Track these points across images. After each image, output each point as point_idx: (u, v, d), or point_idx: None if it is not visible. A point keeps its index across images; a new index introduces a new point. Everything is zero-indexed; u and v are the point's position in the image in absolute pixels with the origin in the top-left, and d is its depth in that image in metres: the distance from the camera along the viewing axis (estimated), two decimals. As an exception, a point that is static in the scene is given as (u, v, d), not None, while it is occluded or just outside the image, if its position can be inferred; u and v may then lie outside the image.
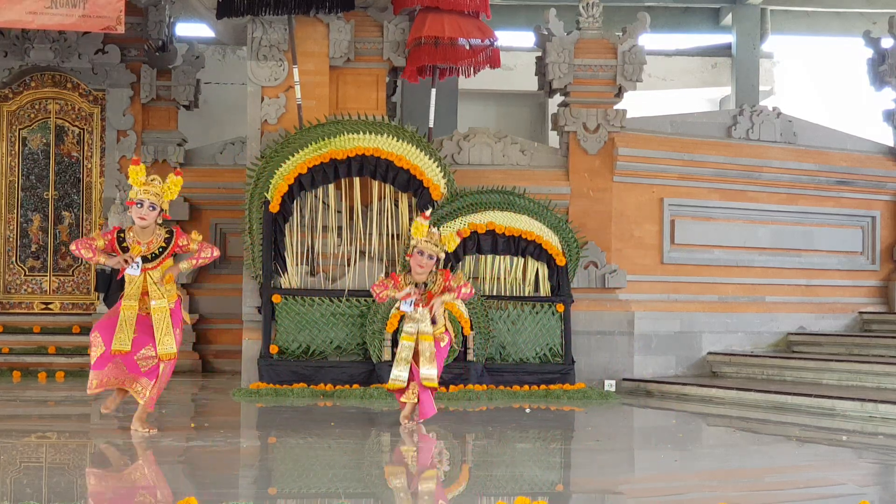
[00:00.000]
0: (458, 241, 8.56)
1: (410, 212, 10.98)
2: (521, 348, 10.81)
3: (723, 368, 11.62)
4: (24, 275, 13.28)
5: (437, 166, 10.87)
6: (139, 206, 7.75)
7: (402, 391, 8.33)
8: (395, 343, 10.50)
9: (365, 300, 10.71)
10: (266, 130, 11.31)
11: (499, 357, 10.79)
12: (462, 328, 10.40)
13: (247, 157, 11.44)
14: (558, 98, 12.00)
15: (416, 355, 8.29)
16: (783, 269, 12.48)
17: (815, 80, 20.02)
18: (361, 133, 10.79)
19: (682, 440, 8.43)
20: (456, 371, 10.39)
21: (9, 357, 12.35)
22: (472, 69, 11.58)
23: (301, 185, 10.74)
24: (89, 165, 13.31)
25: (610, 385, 10.93)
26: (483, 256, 10.87)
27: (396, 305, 8.92)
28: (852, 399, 9.43)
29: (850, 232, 12.89)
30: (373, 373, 10.53)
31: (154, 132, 13.19)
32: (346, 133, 10.79)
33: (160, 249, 7.84)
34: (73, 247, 7.91)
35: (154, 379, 7.87)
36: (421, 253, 8.24)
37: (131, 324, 7.77)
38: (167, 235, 7.88)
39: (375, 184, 11.00)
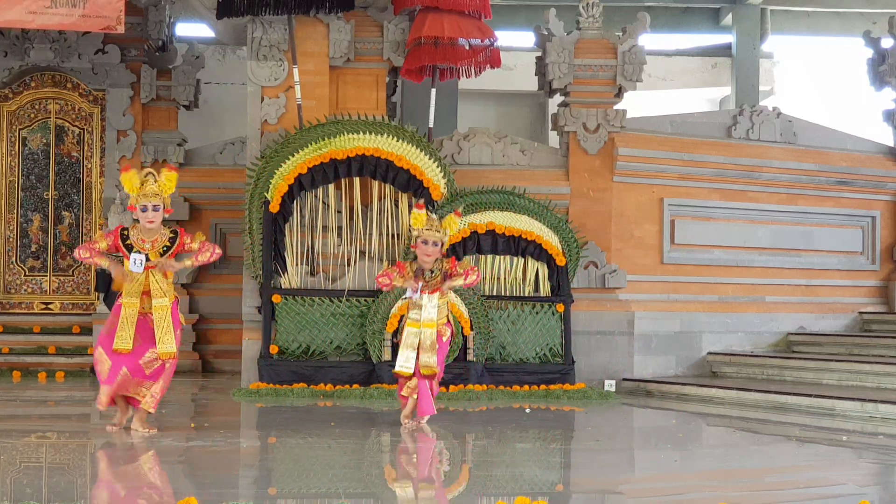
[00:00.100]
0: (458, 221, 8.55)
1: (410, 212, 10.95)
2: (521, 348, 10.81)
3: (723, 368, 11.61)
4: (24, 275, 13.28)
5: (437, 166, 10.87)
6: (143, 211, 7.76)
7: (408, 379, 8.32)
8: (395, 343, 10.52)
9: (365, 300, 10.71)
10: (266, 130, 11.31)
11: (499, 357, 10.79)
12: (462, 328, 10.40)
13: (247, 157, 11.44)
14: (558, 98, 12.00)
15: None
16: (783, 269, 12.47)
17: (815, 80, 20.02)
18: (361, 133, 10.79)
19: (682, 440, 8.43)
20: (456, 371, 10.39)
21: (9, 357, 12.35)
22: (472, 69, 11.58)
23: (301, 185, 10.74)
24: (89, 165, 13.31)
25: (610, 385, 10.93)
26: (483, 256, 10.87)
27: (403, 296, 8.93)
28: (852, 399, 9.43)
29: (850, 232, 12.89)
30: (373, 373, 10.53)
31: (154, 132, 13.18)
32: (346, 133, 10.78)
33: (165, 248, 7.87)
34: (75, 253, 8.00)
35: (157, 380, 7.87)
36: (425, 242, 8.28)
37: (132, 322, 7.78)
38: (172, 235, 7.92)
39: (375, 184, 11.00)
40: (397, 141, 10.82)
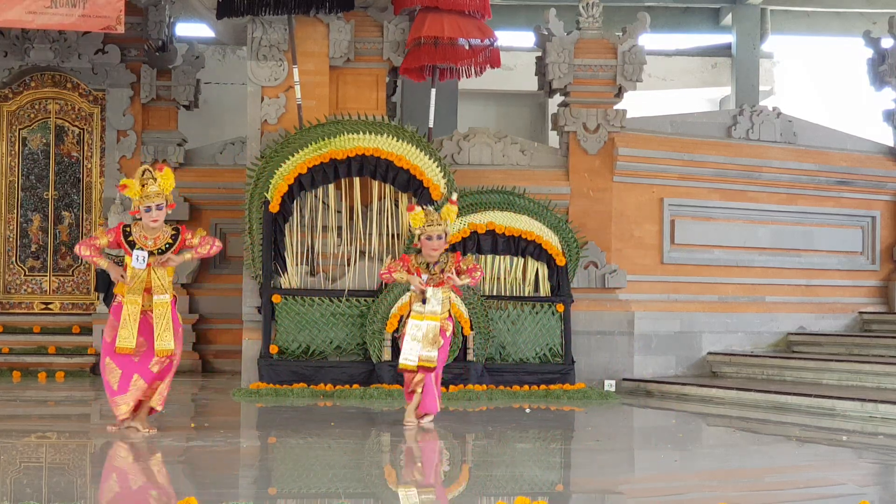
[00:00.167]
0: (455, 209, 8.56)
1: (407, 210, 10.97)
2: (521, 348, 10.81)
3: (723, 368, 11.61)
4: (24, 275, 13.28)
5: (437, 166, 10.87)
6: (147, 211, 7.79)
7: (413, 374, 8.33)
8: (395, 343, 10.53)
9: (365, 300, 10.71)
10: (266, 130, 11.31)
11: (499, 357, 10.79)
12: (462, 328, 10.40)
13: (247, 157, 11.44)
14: (558, 98, 12.00)
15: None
16: (783, 269, 12.48)
17: (815, 80, 20.01)
18: (361, 133, 10.79)
19: (682, 440, 8.43)
20: (456, 371, 10.39)
21: (9, 357, 12.35)
22: (472, 69, 11.58)
23: (301, 185, 10.74)
24: (89, 165, 13.31)
25: (610, 385, 10.93)
26: (483, 256, 10.87)
27: (405, 292, 8.95)
28: (852, 399, 9.43)
29: (850, 232, 12.89)
30: (373, 373, 10.53)
31: (154, 132, 13.19)
32: (346, 133, 10.78)
33: (167, 245, 7.90)
34: (76, 249, 8.01)
35: (164, 378, 7.91)
36: (429, 238, 8.31)
37: (135, 320, 7.79)
38: (173, 232, 7.96)
39: (375, 184, 11.00)
40: (397, 141, 10.82)
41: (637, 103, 13.97)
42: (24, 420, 9.15)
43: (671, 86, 18.91)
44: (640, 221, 11.74)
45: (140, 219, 7.87)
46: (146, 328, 7.82)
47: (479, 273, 8.45)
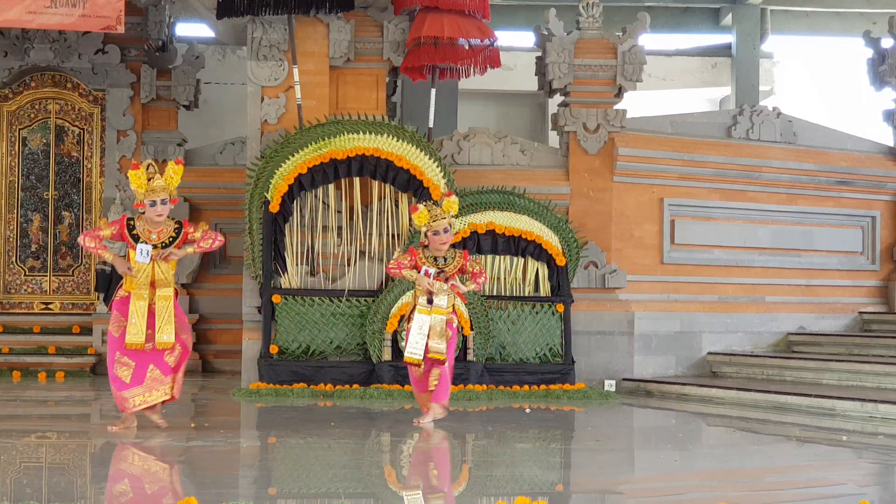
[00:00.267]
0: (455, 200, 8.57)
1: (410, 212, 10.96)
2: (521, 348, 10.81)
3: (723, 368, 11.61)
4: (24, 275, 13.28)
5: (437, 166, 10.87)
6: (152, 206, 7.83)
7: (417, 367, 8.34)
8: (395, 343, 10.54)
9: (365, 300, 10.72)
10: (266, 130, 11.31)
11: (499, 357, 10.79)
12: (462, 328, 10.40)
13: (247, 157, 11.44)
14: (558, 98, 12.00)
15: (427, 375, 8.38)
16: (783, 269, 12.48)
17: (815, 80, 20.01)
18: (361, 133, 10.79)
19: (682, 440, 8.43)
20: (456, 371, 10.36)
21: (9, 357, 12.34)
22: (472, 69, 11.58)
23: (301, 185, 10.74)
24: (89, 165, 13.31)
25: (610, 385, 10.93)
26: (483, 256, 10.87)
27: (409, 289, 8.98)
28: (852, 399, 9.43)
29: (850, 232, 12.89)
30: (373, 373, 10.53)
31: (154, 132, 13.19)
32: (346, 133, 10.79)
33: (170, 239, 7.96)
34: (79, 239, 8.04)
35: (179, 371, 8.00)
36: (436, 233, 8.35)
37: (143, 315, 7.83)
38: (176, 226, 8.03)
39: (375, 184, 11.00)
40: (397, 141, 10.82)
41: (637, 103, 13.97)
42: (24, 420, 9.15)
43: (671, 86, 18.91)
44: (640, 221, 11.74)
45: (143, 213, 7.92)
46: (153, 321, 7.88)
47: (482, 279, 8.49)
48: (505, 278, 10.98)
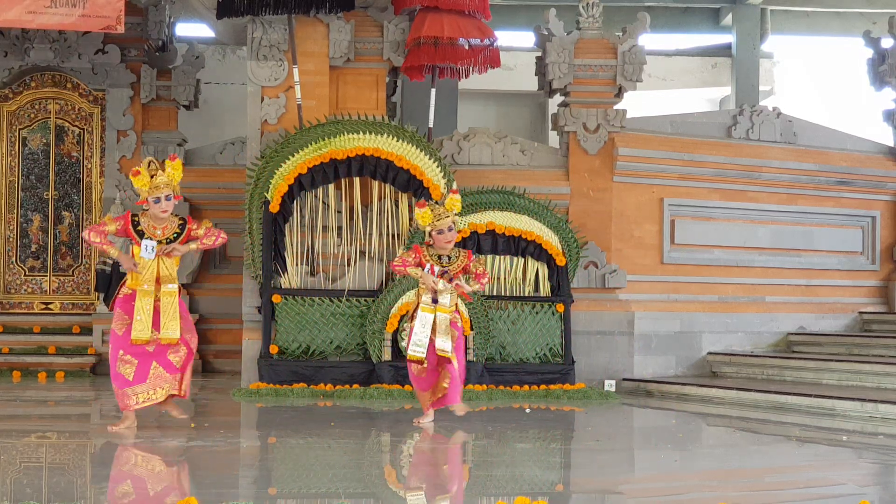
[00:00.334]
0: (459, 198, 8.58)
1: (410, 212, 10.98)
2: (521, 348, 10.81)
3: (723, 368, 11.61)
4: (24, 275, 13.28)
5: (437, 166, 10.87)
6: (157, 202, 7.87)
7: (420, 365, 8.34)
8: (395, 343, 10.54)
9: (365, 300, 10.72)
10: (266, 130, 11.31)
11: (499, 357, 10.79)
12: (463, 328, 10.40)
13: (247, 157, 11.44)
14: (558, 98, 11.99)
15: (437, 379, 8.38)
16: (783, 269, 12.47)
17: (815, 80, 20.02)
18: (361, 133, 10.79)
19: (682, 440, 8.43)
20: (456, 371, 10.38)
21: (9, 357, 12.34)
22: (471, 69, 11.59)
23: (301, 185, 10.74)
24: (89, 165, 13.31)
25: (610, 385, 10.93)
26: (483, 256, 10.86)
27: (411, 287, 8.98)
28: (852, 399, 9.43)
29: (850, 232, 12.89)
30: (373, 373, 10.53)
31: (154, 132, 13.19)
32: (346, 133, 10.79)
33: (175, 235, 8.00)
34: (84, 234, 8.07)
35: (186, 371, 8.03)
36: (440, 232, 8.38)
37: (149, 311, 7.86)
38: (180, 222, 8.07)
39: (375, 184, 11.00)
40: (397, 141, 10.82)
41: (637, 103, 13.97)
42: (24, 420, 9.15)
43: (671, 86, 18.91)
44: (640, 221, 11.74)
45: (147, 209, 7.93)
46: (157, 319, 7.90)
47: (486, 279, 8.52)
48: (505, 278, 10.98)
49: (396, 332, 10.52)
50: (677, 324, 11.67)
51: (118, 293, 8.10)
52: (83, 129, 13.34)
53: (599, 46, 11.56)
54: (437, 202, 8.65)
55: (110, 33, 11.80)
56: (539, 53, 11.90)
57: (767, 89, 19.16)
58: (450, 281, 8.35)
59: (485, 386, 10.45)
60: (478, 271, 8.44)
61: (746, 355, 11.58)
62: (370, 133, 10.80)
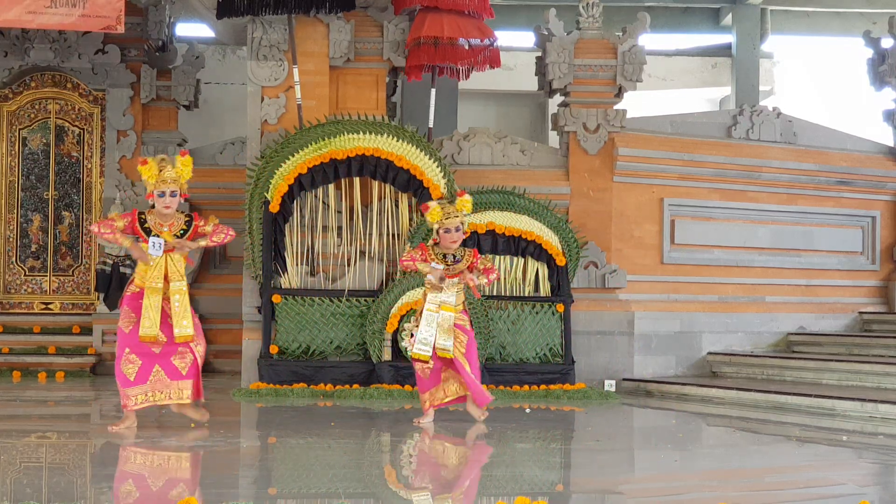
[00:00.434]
0: (470, 199, 8.58)
1: (410, 212, 10.99)
2: (521, 348, 10.81)
3: (723, 368, 11.61)
4: (24, 275, 13.28)
5: (437, 166, 10.87)
6: (161, 196, 7.89)
7: (425, 364, 8.35)
8: (395, 343, 10.54)
9: (365, 300, 10.72)
10: (266, 130, 11.31)
11: (499, 357, 10.79)
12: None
13: (247, 157, 11.44)
14: (558, 98, 11.99)
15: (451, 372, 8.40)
16: (783, 269, 12.48)
17: (815, 80, 20.02)
18: (361, 133, 10.79)
19: (682, 440, 8.43)
20: (456, 371, 10.38)
21: (9, 357, 12.34)
22: (470, 70, 11.60)
23: (301, 185, 10.74)
24: (89, 165, 13.31)
25: (610, 385, 10.93)
26: (486, 256, 10.86)
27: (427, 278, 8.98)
28: (852, 399, 9.43)
29: (850, 232, 12.89)
30: (373, 373, 10.53)
31: (154, 132, 13.19)
32: (346, 133, 10.79)
33: (181, 232, 8.01)
34: (94, 227, 8.05)
35: (194, 377, 8.00)
36: (448, 230, 8.39)
37: (157, 308, 7.85)
38: (187, 219, 8.09)
39: (375, 184, 11.00)
40: (397, 141, 10.82)
41: (637, 103, 13.97)
42: (24, 420, 9.14)
43: (671, 86, 18.91)
44: (640, 221, 11.74)
45: (153, 205, 7.93)
46: (166, 320, 7.90)
47: (494, 274, 8.52)
48: (505, 278, 10.97)
49: (396, 332, 10.52)
50: (677, 324, 11.67)
51: (126, 291, 8.09)
52: (83, 129, 13.34)
53: (599, 46, 11.56)
54: (448, 201, 8.64)
55: (110, 33, 11.80)
56: (539, 53, 11.90)
57: (767, 89, 19.16)
58: (453, 276, 8.35)
59: (485, 386, 10.41)
60: (486, 267, 8.48)
61: (746, 355, 11.59)
62: (370, 133, 10.80)
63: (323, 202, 11.02)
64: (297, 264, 10.88)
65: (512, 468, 6.91)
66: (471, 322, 8.70)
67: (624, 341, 11.31)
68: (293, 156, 10.69)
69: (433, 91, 11.67)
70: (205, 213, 12.92)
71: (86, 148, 13.34)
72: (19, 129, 13.31)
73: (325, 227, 11.01)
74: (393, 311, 10.47)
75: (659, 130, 11.92)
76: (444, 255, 8.43)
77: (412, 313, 10.38)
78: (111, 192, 12.89)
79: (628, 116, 11.62)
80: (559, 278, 10.96)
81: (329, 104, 11.37)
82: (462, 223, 8.46)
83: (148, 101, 13.12)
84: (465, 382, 8.40)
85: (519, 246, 10.90)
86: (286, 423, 8.87)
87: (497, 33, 11.53)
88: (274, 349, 10.64)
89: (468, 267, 8.44)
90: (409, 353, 10.32)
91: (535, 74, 12.12)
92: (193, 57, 13.27)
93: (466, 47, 11.32)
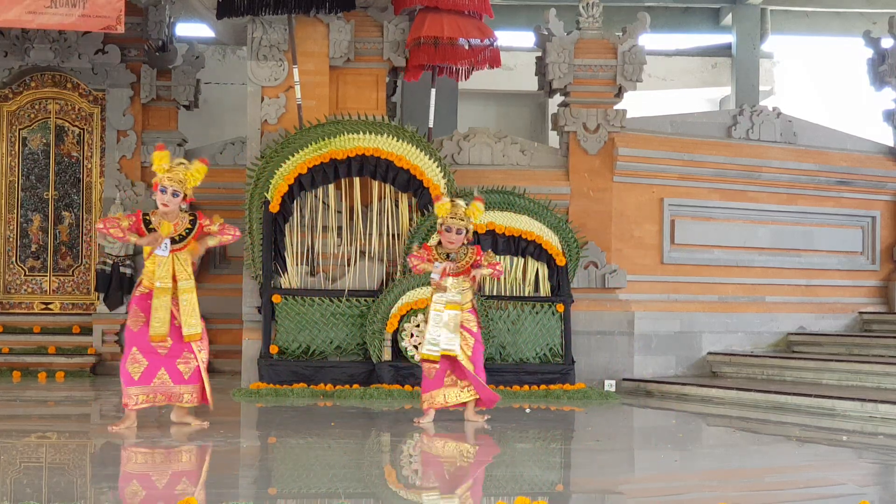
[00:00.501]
0: (482, 209, 8.59)
1: (410, 212, 10.99)
2: (521, 348, 10.81)
3: (723, 368, 11.61)
4: (24, 275, 13.28)
5: (437, 166, 10.87)
6: (162, 192, 7.88)
7: (433, 364, 8.35)
8: (395, 343, 10.54)
9: (365, 300, 10.72)
10: (266, 130, 11.31)
11: (499, 357, 10.79)
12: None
13: (247, 157, 11.44)
14: (558, 98, 12.00)
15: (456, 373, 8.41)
16: (783, 269, 12.48)
17: (815, 80, 20.03)
18: (361, 133, 10.79)
19: (682, 440, 8.43)
20: (456, 371, 10.38)
21: (9, 357, 12.34)
22: (469, 70, 11.60)
23: (301, 185, 10.75)
24: (89, 165, 13.31)
25: (610, 385, 10.93)
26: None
27: (422, 283, 9.01)
28: (852, 399, 9.43)
29: (850, 232, 12.89)
30: (373, 373, 10.53)
31: (154, 132, 13.18)
32: (346, 133, 10.79)
33: (186, 231, 8.01)
34: (99, 225, 8.05)
35: (199, 382, 7.99)
36: (448, 230, 8.40)
37: (167, 308, 7.85)
38: (191, 218, 8.08)
39: (375, 184, 11.00)
40: (397, 141, 10.82)
41: (637, 103, 13.97)
42: (24, 420, 9.14)
43: (671, 86, 18.92)
44: (640, 221, 11.74)
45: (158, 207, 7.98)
46: (177, 330, 7.91)
47: (500, 266, 8.56)
48: (505, 278, 10.97)
49: (396, 332, 10.52)
50: (677, 324, 11.67)
51: (134, 292, 8.10)
52: (83, 129, 13.34)
53: (599, 46, 11.56)
54: (464, 202, 8.63)
55: (110, 33, 11.80)
56: (539, 53, 11.90)
57: (767, 89, 19.17)
58: (457, 274, 8.35)
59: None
60: (491, 262, 8.50)
61: (746, 355, 11.59)
62: (370, 133, 10.80)
63: (323, 202, 11.02)
64: (297, 264, 10.88)
65: (512, 468, 6.91)
66: (479, 322, 8.70)
67: (624, 341, 11.31)
68: (293, 156, 10.70)
69: (433, 91, 11.67)
70: (207, 212, 13.00)
71: (86, 148, 13.34)
72: (19, 129, 13.31)
73: (325, 227, 11.01)
74: (393, 311, 10.47)
75: (659, 130, 11.92)
76: (448, 255, 8.44)
77: (412, 313, 10.42)
78: (111, 192, 12.89)
79: (628, 116, 11.63)
80: (559, 278, 10.96)
81: (329, 104, 11.37)
82: (466, 229, 8.47)
83: (148, 101, 13.12)
84: (469, 384, 8.42)
85: (519, 246, 10.90)
86: (286, 423, 8.87)
87: (497, 33, 11.53)
88: (274, 349, 10.64)
89: (473, 264, 8.45)
90: (408, 354, 10.37)
91: (535, 74, 12.12)
92: (193, 57, 13.26)
93: (466, 47, 11.32)
